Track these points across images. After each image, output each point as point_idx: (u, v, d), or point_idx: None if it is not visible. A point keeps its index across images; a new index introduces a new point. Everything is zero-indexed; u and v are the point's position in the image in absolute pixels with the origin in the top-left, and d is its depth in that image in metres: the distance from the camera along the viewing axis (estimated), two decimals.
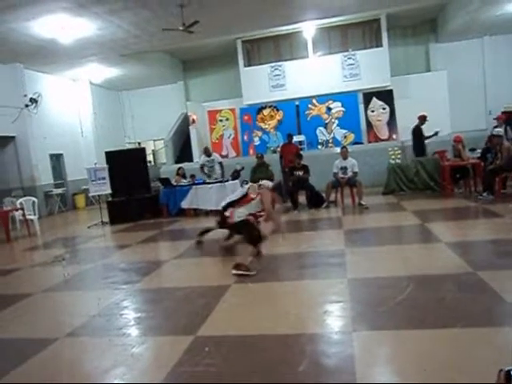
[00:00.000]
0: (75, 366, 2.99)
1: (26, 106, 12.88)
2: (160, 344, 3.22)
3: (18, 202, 9.78)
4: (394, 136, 14.44)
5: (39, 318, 4.08)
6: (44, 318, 4.07)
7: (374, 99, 14.65)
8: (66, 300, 4.67)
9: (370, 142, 14.44)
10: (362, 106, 14.81)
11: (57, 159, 14.70)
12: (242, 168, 10.39)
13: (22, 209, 9.58)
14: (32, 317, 4.14)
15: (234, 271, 4.56)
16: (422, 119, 10.01)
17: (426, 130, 10.07)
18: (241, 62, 15.88)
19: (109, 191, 10.28)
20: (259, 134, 15.56)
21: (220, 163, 10.47)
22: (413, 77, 15.37)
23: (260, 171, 9.74)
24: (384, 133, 14.68)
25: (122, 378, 2.74)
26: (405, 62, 15.84)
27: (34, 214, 9.82)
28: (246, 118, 15.73)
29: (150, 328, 3.54)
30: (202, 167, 10.40)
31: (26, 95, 12.90)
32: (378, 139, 14.51)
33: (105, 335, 3.45)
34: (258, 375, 2.58)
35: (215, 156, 10.67)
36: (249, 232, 4.79)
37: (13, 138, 12.86)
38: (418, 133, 10.00)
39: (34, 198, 10.09)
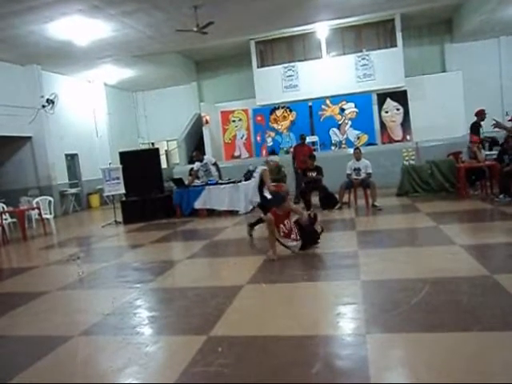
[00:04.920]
0: (89, 365, 3.03)
1: (43, 106, 13.07)
2: (173, 343, 3.23)
3: (35, 201, 9.94)
4: (408, 137, 14.31)
5: (54, 316, 4.13)
6: (59, 316, 4.12)
7: (388, 100, 14.54)
8: (81, 298, 4.73)
9: (383, 143, 14.34)
10: (375, 107, 14.70)
11: (72, 159, 14.88)
12: (255, 168, 10.39)
13: (39, 208, 9.73)
14: (47, 315, 4.20)
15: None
16: (480, 114, 9.27)
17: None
18: (254, 62, 15.90)
19: (123, 191, 10.38)
20: (272, 134, 15.56)
21: (214, 164, 10.43)
22: (427, 77, 15.22)
23: (273, 172, 9.71)
24: (398, 134, 14.56)
25: (136, 377, 2.76)
26: (419, 62, 15.67)
27: (50, 213, 9.96)
28: (258, 118, 15.74)
29: (163, 327, 3.56)
30: (196, 172, 10.36)
31: (42, 96, 13.09)
32: (391, 140, 14.39)
33: (119, 334, 3.48)
34: (271, 376, 2.58)
35: (207, 159, 10.63)
36: None
37: (30, 138, 13.06)
38: (475, 130, 9.24)
39: (50, 198, 10.24)
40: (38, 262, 6.83)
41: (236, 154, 15.97)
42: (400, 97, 14.49)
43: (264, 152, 15.14)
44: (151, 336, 3.42)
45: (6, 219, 9.57)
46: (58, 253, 7.62)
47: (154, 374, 2.78)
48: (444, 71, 15.71)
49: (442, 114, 14.35)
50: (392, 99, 14.53)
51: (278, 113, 15.50)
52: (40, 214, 9.72)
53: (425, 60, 15.78)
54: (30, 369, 2.99)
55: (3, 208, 9.75)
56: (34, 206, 9.85)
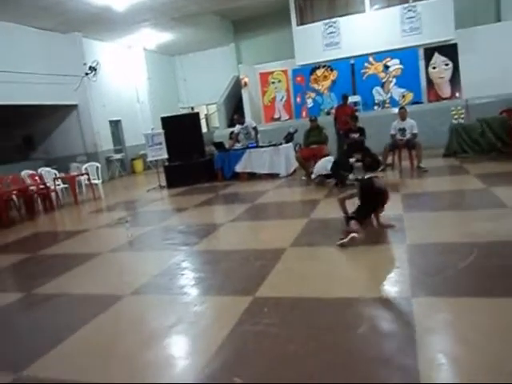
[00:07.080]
0: (142, 322, 3.20)
1: (86, 74, 13.33)
2: (220, 303, 3.35)
3: (84, 167, 10.35)
4: (458, 94, 13.53)
5: (107, 277, 4.38)
6: (111, 277, 4.36)
7: (436, 55, 13.70)
8: (131, 260, 4.97)
9: (430, 101, 13.65)
10: (422, 63, 13.91)
11: (115, 125, 15.23)
12: (296, 131, 10.24)
13: (87, 174, 10.14)
14: (100, 275, 4.45)
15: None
16: None
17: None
18: (293, 20, 15.31)
19: (165, 156, 10.58)
20: (312, 95, 15.16)
21: (254, 128, 10.38)
22: (480, 28, 14.11)
23: (313, 134, 9.52)
24: (446, 91, 13.79)
25: (186, 334, 2.91)
26: (472, 11, 14.53)
27: (98, 179, 10.37)
28: (298, 79, 15.34)
29: (210, 288, 3.69)
30: (237, 135, 10.38)
31: (85, 63, 13.33)
32: (439, 98, 13.67)
33: (167, 293, 3.65)
34: (317, 336, 2.63)
35: (248, 122, 10.65)
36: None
37: (75, 106, 13.44)
38: None
39: (97, 164, 10.62)
40: (90, 225, 7.18)
41: (276, 116, 15.75)
42: (449, 51, 13.61)
43: (304, 114, 14.85)
44: (198, 296, 3.55)
45: (58, 185, 10.06)
46: (107, 216, 7.97)
47: (204, 331, 2.91)
48: (499, 21, 14.54)
49: (495, 68, 13.38)
50: (440, 54, 13.68)
51: (319, 72, 15.01)
52: (89, 180, 10.13)
53: (478, 9, 14.60)
54: (87, 326, 3.19)
55: (55, 174, 10.24)
56: (84, 171, 10.27)
